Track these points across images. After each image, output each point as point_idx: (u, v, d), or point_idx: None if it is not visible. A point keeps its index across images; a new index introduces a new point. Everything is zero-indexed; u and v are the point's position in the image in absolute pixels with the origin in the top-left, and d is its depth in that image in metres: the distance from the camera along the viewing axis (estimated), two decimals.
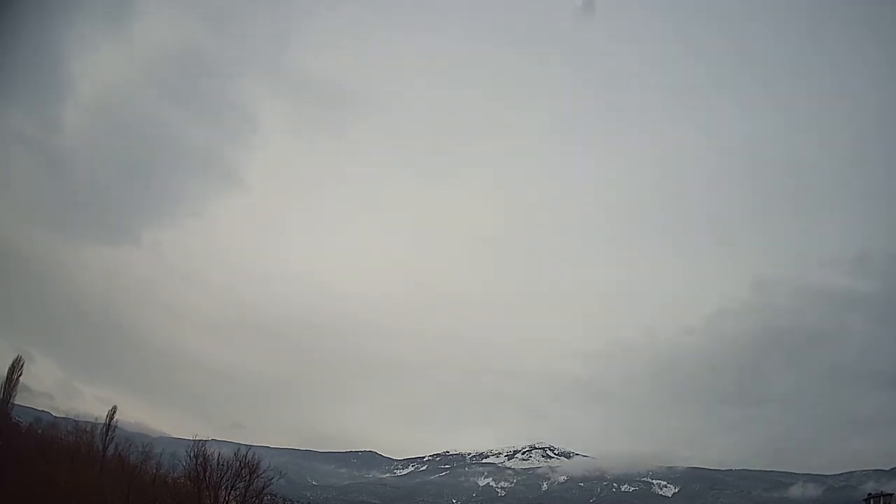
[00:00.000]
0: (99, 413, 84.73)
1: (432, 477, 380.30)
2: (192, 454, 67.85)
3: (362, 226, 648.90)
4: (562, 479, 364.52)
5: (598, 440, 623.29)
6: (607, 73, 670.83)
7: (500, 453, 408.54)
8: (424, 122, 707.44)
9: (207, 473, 67.33)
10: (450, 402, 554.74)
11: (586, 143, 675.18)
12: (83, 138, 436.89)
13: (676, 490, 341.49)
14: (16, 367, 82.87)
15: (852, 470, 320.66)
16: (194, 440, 71.19)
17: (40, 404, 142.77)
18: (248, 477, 69.22)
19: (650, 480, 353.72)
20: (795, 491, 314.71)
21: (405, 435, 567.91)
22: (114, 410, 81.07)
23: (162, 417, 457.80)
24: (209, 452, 69.31)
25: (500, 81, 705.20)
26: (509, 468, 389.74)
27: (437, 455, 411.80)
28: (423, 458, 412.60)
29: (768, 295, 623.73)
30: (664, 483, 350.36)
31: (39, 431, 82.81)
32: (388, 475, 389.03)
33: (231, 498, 69.80)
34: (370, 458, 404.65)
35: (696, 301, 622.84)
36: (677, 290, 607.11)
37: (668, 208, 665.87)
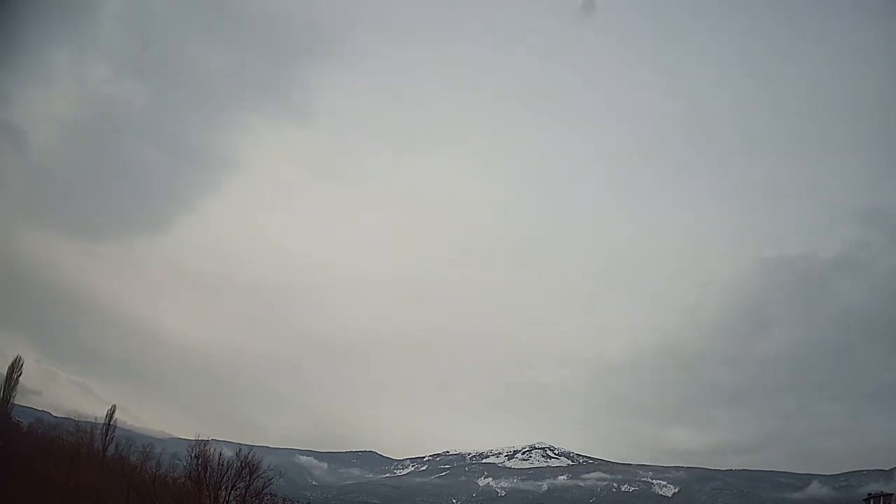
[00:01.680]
0: (98, 412, 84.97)
1: (432, 477, 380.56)
2: (192, 454, 67.91)
3: (362, 218, 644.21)
4: (562, 478, 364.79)
5: (598, 440, 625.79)
6: (599, 62, 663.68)
7: (500, 453, 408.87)
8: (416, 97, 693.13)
9: (208, 473, 67.40)
10: (448, 399, 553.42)
11: (576, 126, 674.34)
12: (62, 129, 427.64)
13: (676, 490, 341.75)
14: (15, 367, 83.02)
15: (852, 470, 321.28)
16: (195, 440, 71.37)
17: (38, 403, 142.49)
18: (248, 477, 69.32)
19: (650, 480, 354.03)
20: (795, 491, 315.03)
21: (405, 435, 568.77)
22: (113, 410, 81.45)
23: (162, 417, 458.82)
24: (209, 452, 69.37)
25: (493, 69, 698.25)
26: (509, 468, 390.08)
27: (437, 455, 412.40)
28: (423, 458, 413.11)
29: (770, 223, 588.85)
30: (664, 483, 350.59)
31: (39, 432, 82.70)
32: (388, 475, 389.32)
33: (231, 498, 69.86)
34: (370, 458, 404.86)
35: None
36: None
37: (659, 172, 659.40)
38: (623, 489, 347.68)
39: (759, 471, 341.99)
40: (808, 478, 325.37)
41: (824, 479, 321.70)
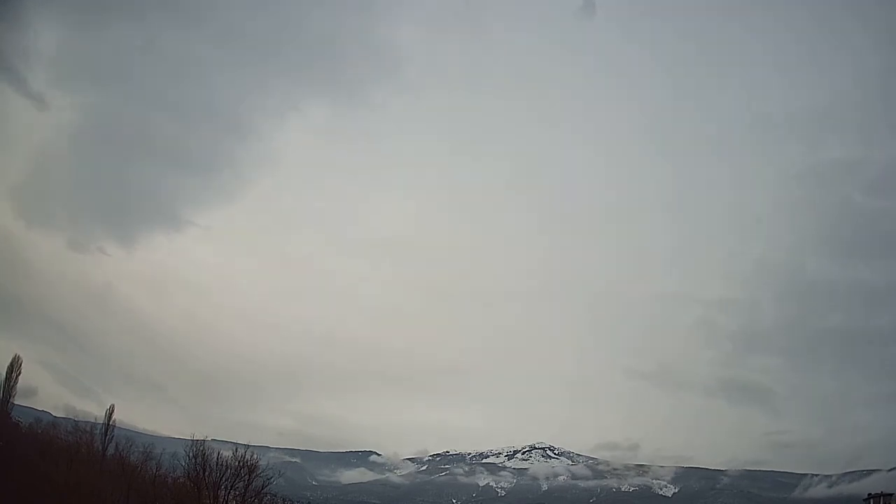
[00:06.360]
0: (98, 412, 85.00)
1: (432, 477, 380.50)
2: (191, 454, 67.95)
3: (366, 211, 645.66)
4: (562, 479, 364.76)
5: (598, 440, 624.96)
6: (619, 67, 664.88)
7: (500, 453, 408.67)
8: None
9: (207, 473, 67.41)
10: (448, 398, 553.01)
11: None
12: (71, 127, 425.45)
13: (676, 490, 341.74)
14: (15, 367, 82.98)
15: (853, 470, 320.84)
16: (193, 440, 71.33)
17: (38, 403, 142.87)
18: (247, 476, 69.35)
19: (650, 480, 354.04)
20: (795, 490, 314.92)
21: (405, 435, 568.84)
22: (112, 409, 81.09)
23: (162, 417, 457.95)
24: (208, 452, 69.41)
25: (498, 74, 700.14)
26: (509, 468, 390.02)
27: (437, 455, 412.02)
28: (423, 458, 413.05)
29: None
30: (664, 483, 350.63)
31: (39, 431, 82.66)
32: (388, 475, 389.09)
33: (230, 498, 69.88)
34: (370, 458, 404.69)
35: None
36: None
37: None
38: (623, 489, 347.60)
39: (759, 471, 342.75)
40: (808, 478, 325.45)
41: (824, 479, 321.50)
